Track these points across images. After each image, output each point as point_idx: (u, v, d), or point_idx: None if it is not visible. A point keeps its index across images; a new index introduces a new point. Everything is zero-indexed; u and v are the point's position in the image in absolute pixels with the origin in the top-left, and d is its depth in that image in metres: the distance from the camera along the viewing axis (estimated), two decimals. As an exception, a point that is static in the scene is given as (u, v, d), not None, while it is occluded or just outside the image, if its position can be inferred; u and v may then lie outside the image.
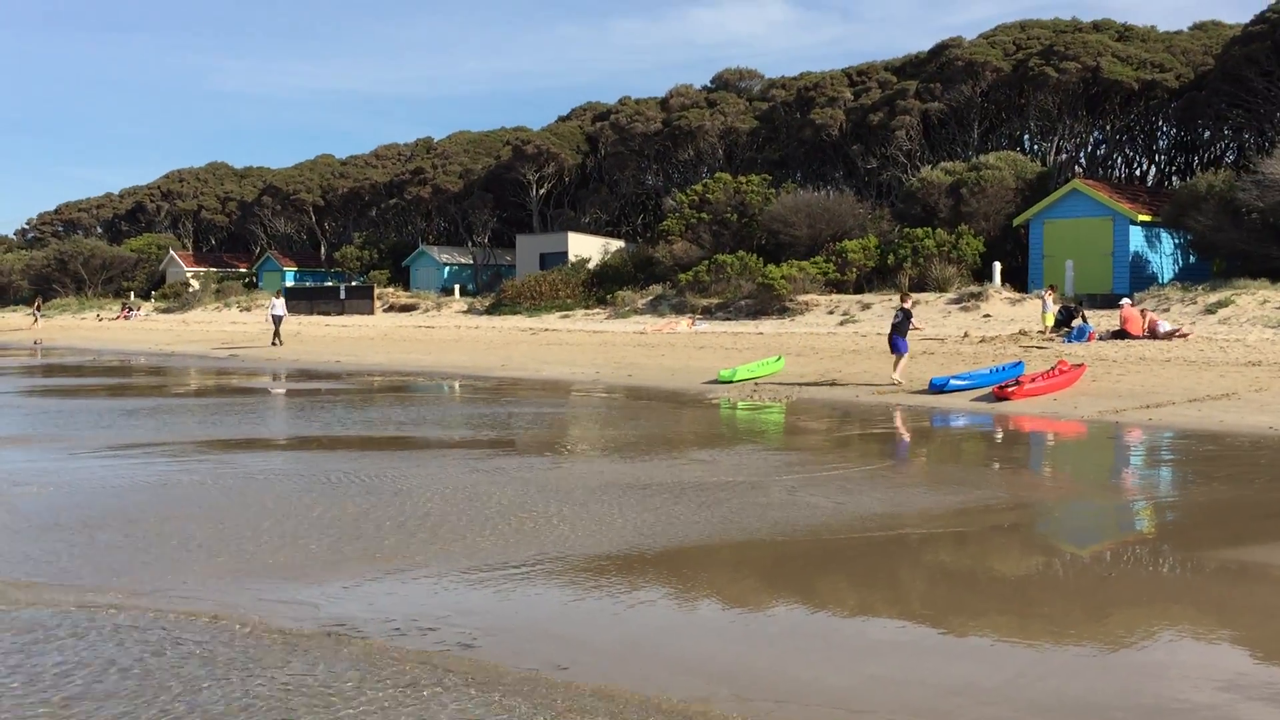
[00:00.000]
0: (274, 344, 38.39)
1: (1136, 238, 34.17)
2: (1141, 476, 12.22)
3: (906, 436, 15.20)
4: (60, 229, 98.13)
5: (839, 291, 38.35)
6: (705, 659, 5.88)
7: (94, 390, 24.10)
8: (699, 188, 48.21)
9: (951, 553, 8.46)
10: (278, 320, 39.47)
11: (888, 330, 21.57)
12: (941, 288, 35.66)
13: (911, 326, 20.71)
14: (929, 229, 38.19)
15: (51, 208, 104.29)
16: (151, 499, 10.19)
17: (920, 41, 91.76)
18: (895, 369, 20.34)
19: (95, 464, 12.36)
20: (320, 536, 8.60)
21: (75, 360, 35.02)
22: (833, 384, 21.02)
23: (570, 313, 45.22)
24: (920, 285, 36.49)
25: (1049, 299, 27.78)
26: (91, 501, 10.03)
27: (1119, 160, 47.63)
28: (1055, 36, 44.94)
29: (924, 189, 40.81)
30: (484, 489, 10.57)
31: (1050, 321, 27.14)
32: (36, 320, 62.76)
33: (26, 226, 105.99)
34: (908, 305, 21.04)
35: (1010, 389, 17.95)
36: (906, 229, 39.26)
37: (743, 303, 39.19)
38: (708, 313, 39.53)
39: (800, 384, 21.04)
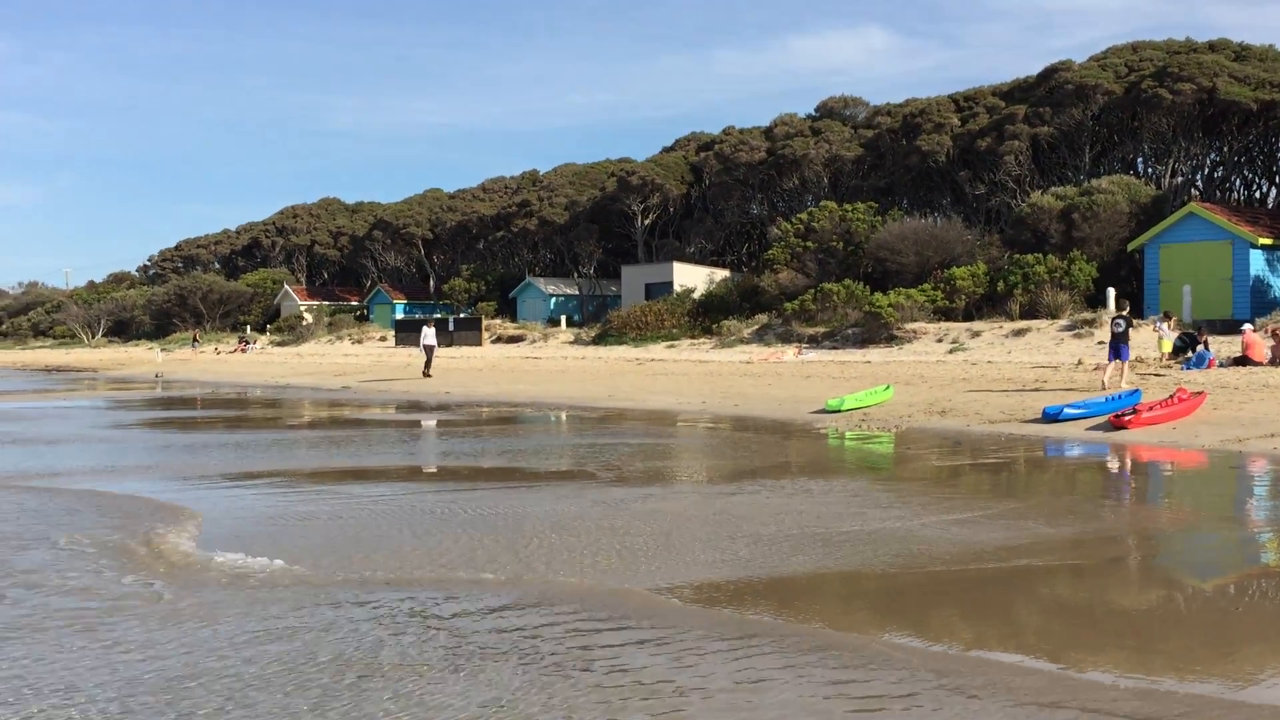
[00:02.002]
0: (425, 374, 37.04)
1: (1257, 261, 33.23)
2: (1266, 507, 11.83)
3: (1020, 467, 14.94)
4: (180, 265, 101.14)
5: (947, 319, 37.88)
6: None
7: (212, 422, 24.75)
8: (804, 216, 48.06)
9: (1068, 586, 8.29)
10: (430, 350, 38.22)
11: (993, 358, 21.75)
12: (1053, 315, 35.03)
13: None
14: (1039, 255, 37.57)
15: (172, 244, 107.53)
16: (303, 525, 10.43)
17: (1026, 66, 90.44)
18: (1108, 375, 21.68)
19: (250, 493, 12.69)
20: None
21: (195, 393, 36.01)
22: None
23: (676, 343, 45.29)
24: (1031, 312, 35.91)
25: (1166, 326, 27.11)
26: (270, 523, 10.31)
27: (1237, 182, 46.37)
28: (1169, 58, 44.01)
29: (1034, 214, 40.19)
30: (593, 517, 10.62)
31: (1168, 348, 26.48)
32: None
33: (148, 263, 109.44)
34: (1125, 312, 23.43)
35: (1127, 418, 17.53)
36: (1016, 255, 38.69)
37: (849, 331, 38.91)
38: (814, 341, 39.30)
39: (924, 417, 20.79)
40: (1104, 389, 21.00)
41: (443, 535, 10.06)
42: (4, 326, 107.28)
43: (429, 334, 38.62)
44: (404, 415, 25.25)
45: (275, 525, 10.79)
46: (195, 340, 73.46)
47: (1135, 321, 32.57)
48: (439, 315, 67.06)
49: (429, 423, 23.65)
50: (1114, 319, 22.68)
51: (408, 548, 9.56)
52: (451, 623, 7.09)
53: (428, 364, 37.65)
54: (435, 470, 15.24)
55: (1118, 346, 21.85)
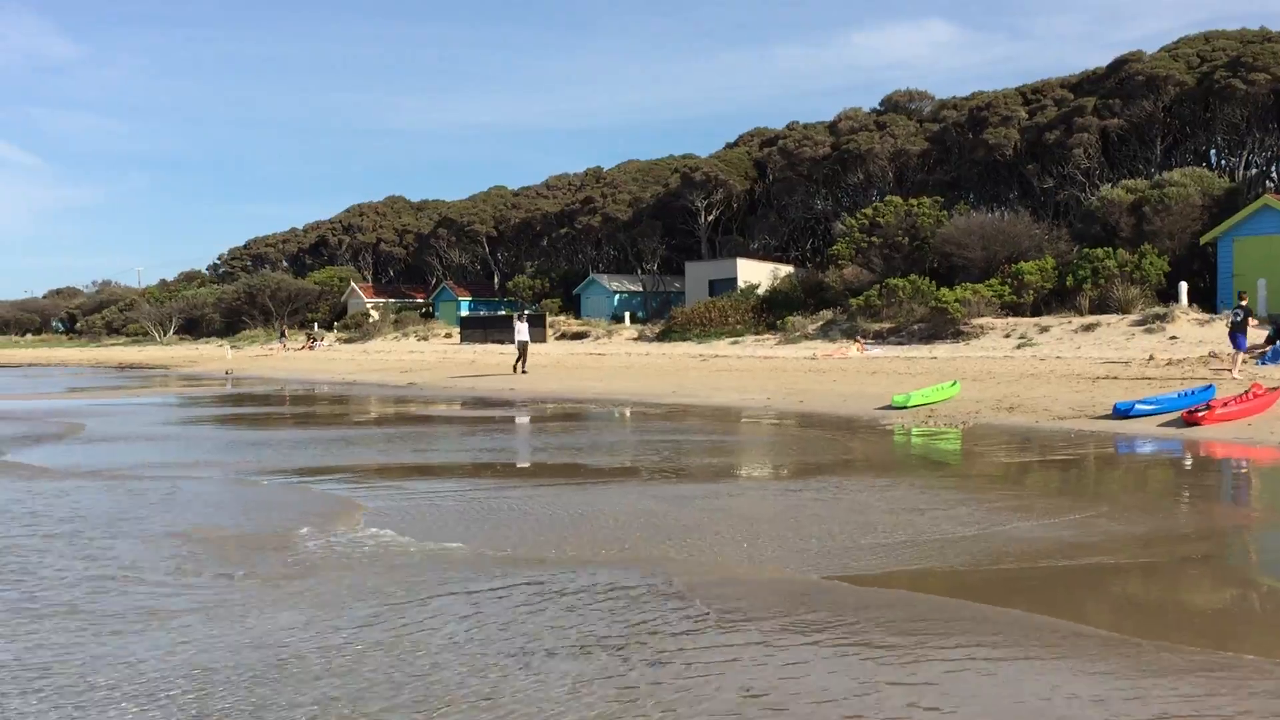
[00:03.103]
0: (521, 371, 36.26)
1: (1335, 254, 32.57)
2: (1346, 506, 11.58)
3: (1090, 463, 14.74)
4: (249, 263, 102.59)
5: (1015, 314, 37.47)
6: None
7: (281, 419, 25.08)
8: (869, 211, 47.75)
9: (1140, 584, 8.17)
10: (523, 346, 37.17)
11: (1062, 353, 21.89)
12: (1124, 309, 34.54)
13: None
14: (1109, 249, 37.06)
15: (241, 243, 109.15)
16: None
17: (1093, 57, 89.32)
18: (1236, 364, 22.56)
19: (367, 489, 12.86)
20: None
21: (268, 389, 36.50)
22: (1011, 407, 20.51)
23: (740, 339, 45.20)
24: (1101, 307, 35.43)
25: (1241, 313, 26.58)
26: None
27: (1314, 173, 45.48)
28: (1242, 47, 43.19)
29: (1104, 208, 39.65)
30: (662, 513, 10.63)
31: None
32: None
33: (218, 262, 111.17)
34: (1244, 303, 23.69)
35: (1200, 414, 17.23)
36: (1086, 249, 38.18)
37: (915, 327, 38.61)
38: (879, 337, 39.04)
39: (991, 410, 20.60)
40: (1233, 377, 21.49)
41: (561, 524, 10.28)
42: (79, 325, 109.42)
43: (522, 329, 37.67)
44: (471, 412, 25.42)
45: (412, 513, 11.08)
46: (283, 334, 74.60)
47: (1212, 317, 32.06)
48: (503, 312, 67.44)
49: (499, 419, 23.77)
50: (1234, 309, 23.74)
51: (530, 533, 9.94)
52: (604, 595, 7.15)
53: (521, 360, 36.90)
54: (528, 466, 15.28)
55: (1235, 336, 22.82)
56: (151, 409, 28.15)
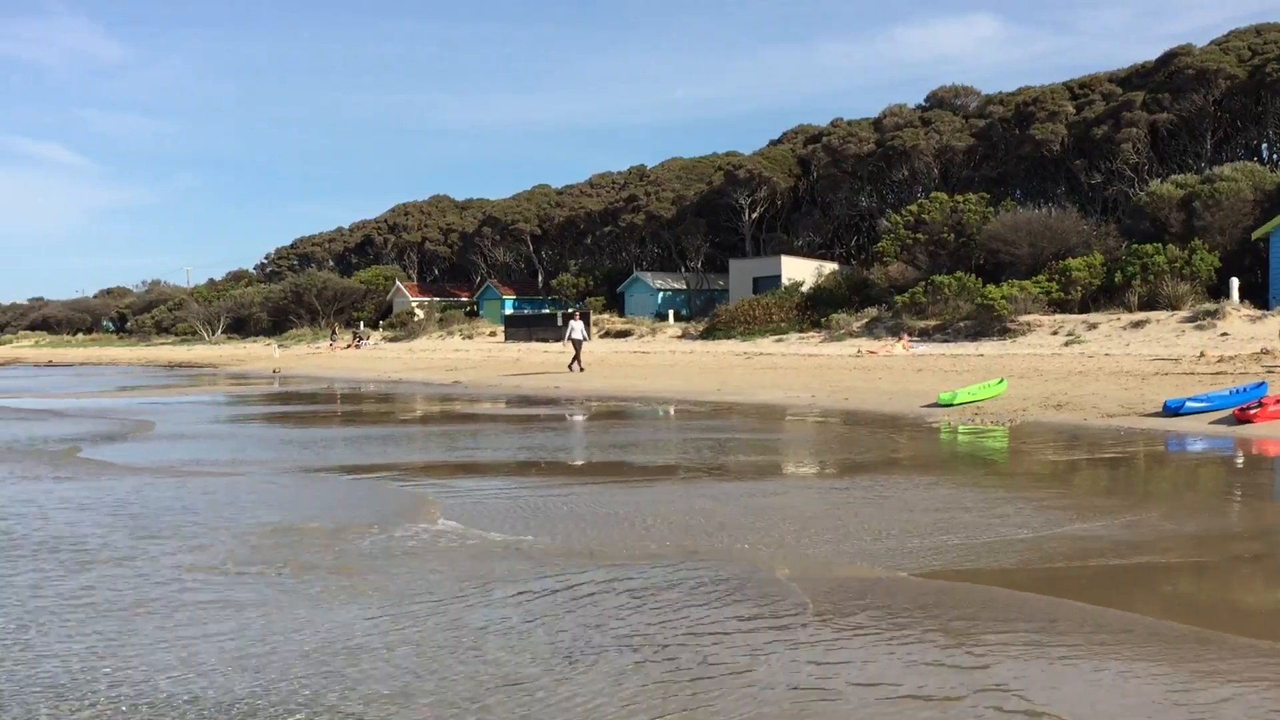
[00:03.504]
0: (578, 369, 36.01)
1: (1390, 249, 32.06)
2: (1403, 505, 11.40)
3: (1140, 461, 14.59)
4: (296, 263, 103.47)
5: (1062, 311, 37.16)
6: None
7: (334, 417, 25.29)
8: (914, 208, 47.52)
9: (1191, 583, 8.07)
10: (578, 344, 37.02)
11: (1111, 351, 21.35)
12: (1174, 306, 34.17)
13: None
14: (1158, 245, 36.68)
15: (288, 242, 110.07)
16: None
17: (1141, 51, 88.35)
18: None
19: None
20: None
21: (315, 388, 36.81)
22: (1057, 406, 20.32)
23: (784, 336, 45.10)
24: (1150, 303, 35.07)
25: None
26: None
27: (1369, 167, 44.79)
28: (1295, 39, 42.64)
29: (1153, 203, 39.24)
30: (706, 510, 10.63)
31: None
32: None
33: (265, 261, 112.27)
34: None
35: (1253, 411, 17.02)
36: (1134, 245, 37.81)
37: (961, 324, 38.37)
38: (925, 335, 38.84)
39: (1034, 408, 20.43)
40: None
41: (619, 520, 10.34)
42: (129, 324, 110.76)
43: (577, 327, 37.52)
44: (518, 410, 25.50)
45: (481, 510, 11.19)
46: (334, 333, 75.22)
47: (1264, 313, 31.65)
48: (546, 311, 67.61)
49: (547, 417, 23.85)
50: None
51: (589, 529, 9.98)
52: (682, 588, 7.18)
53: (576, 358, 36.67)
54: (588, 463, 15.29)
55: None
56: (209, 407, 28.45)
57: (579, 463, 15.21)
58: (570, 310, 62.57)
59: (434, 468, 14.75)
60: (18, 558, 8.94)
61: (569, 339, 37.65)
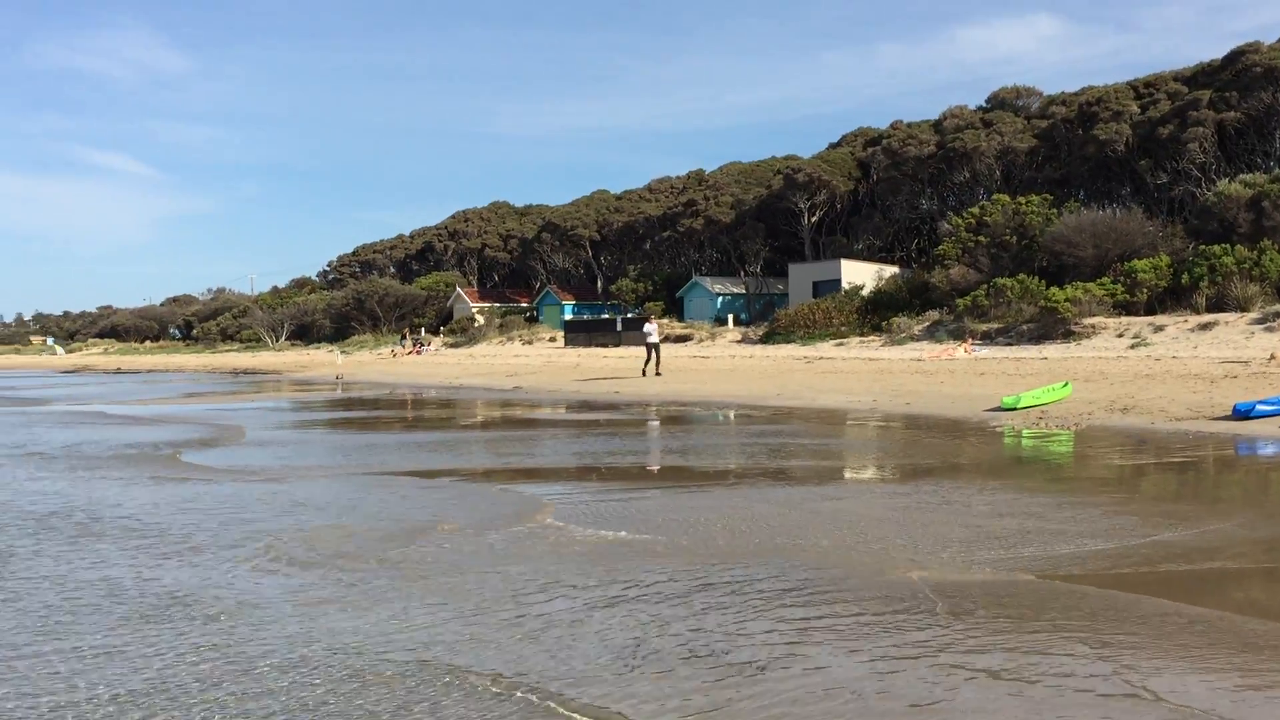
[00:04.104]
0: (654, 373, 35.61)
1: None
2: None
3: (1209, 466, 14.39)
4: (357, 270, 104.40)
5: (1128, 313, 36.71)
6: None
7: (406, 422, 25.53)
8: (975, 210, 47.13)
9: (1262, 590, 7.96)
10: (655, 348, 36.47)
11: (1178, 353, 20.92)
12: (1243, 307, 33.63)
13: None
14: (1227, 245, 36.13)
15: (350, 250, 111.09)
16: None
17: (1206, 49, 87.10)
18: None
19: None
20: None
21: (379, 394, 37.17)
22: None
23: (844, 340, 44.90)
24: (1218, 305, 34.56)
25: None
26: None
27: None
28: (1367, 35, 41.80)
29: (1220, 203, 38.65)
30: (765, 516, 10.63)
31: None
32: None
33: (327, 268, 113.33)
34: None
35: (1325, 415, 16.73)
36: (1202, 246, 37.27)
37: (1024, 327, 38.00)
38: (987, 338, 38.51)
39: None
40: None
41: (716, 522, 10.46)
42: (195, 331, 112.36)
43: (652, 331, 37.05)
44: (578, 415, 25.61)
45: (586, 510, 11.44)
46: (404, 338, 75.79)
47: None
48: (606, 316, 67.75)
49: (619, 421, 23.94)
50: None
51: (679, 534, 9.97)
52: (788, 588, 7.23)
53: (652, 362, 36.22)
54: (657, 469, 15.37)
55: None
56: (284, 413, 28.82)
57: (655, 467, 15.27)
58: (637, 314, 62.38)
59: (522, 472, 14.85)
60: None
61: (645, 343, 37.06)
